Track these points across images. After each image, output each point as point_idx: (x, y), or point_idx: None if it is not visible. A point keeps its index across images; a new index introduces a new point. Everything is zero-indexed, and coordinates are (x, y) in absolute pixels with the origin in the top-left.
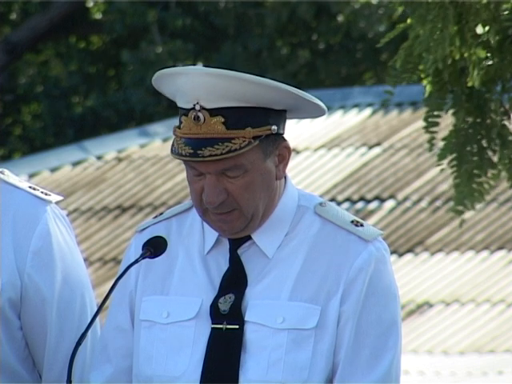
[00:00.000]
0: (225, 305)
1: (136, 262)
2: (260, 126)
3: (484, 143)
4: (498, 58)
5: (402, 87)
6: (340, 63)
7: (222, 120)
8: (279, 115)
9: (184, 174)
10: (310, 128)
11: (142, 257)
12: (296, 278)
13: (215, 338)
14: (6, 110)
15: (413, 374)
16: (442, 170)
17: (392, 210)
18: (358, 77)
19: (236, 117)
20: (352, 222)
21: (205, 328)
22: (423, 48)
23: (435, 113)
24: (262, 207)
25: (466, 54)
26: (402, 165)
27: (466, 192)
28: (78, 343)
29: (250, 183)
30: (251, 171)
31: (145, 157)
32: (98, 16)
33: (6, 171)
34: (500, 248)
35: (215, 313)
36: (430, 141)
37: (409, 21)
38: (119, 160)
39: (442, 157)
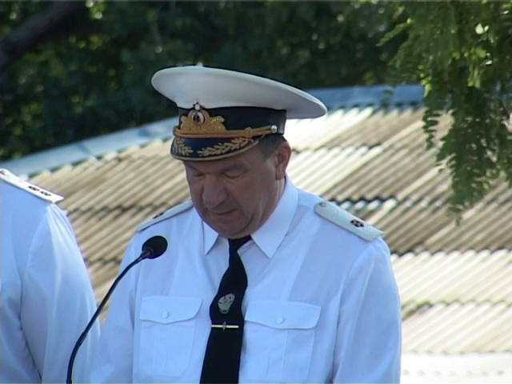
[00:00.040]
0: (225, 305)
1: (136, 262)
2: (260, 126)
3: (483, 143)
4: (498, 57)
5: (402, 87)
6: (340, 63)
7: (222, 120)
8: (279, 115)
9: (184, 174)
10: (310, 128)
11: (142, 257)
12: (296, 278)
13: (215, 338)
14: (6, 110)
15: (413, 374)
16: (441, 170)
17: (392, 210)
18: (358, 77)
19: (236, 117)
20: (352, 221)
21: (205, 328)
22: (423, 48)
23: (434, 112)
24: (262, 207)
25: (465, 54)
26: (402, 165)
27: (465, 191)
28: (78, 343)
29: (249, 183)
30: (251, 171)
31: (145, 157)
32: (98, 16)
33: (6, 171)
34: (500, 248)
35: (215, 313)
36: (429, 139)
37: (409, 21)
38: (119, 160)
39: (441, 157)
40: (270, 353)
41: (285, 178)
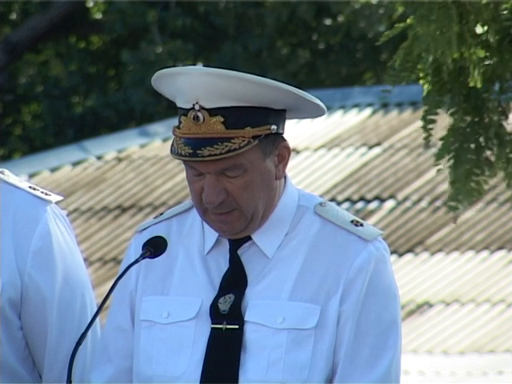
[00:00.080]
0: (225, 305)
1: (136, 262)
2: (259, 126)
3: (482, 142)
4: (498, 57)
5: (402, 87)
6: (340, 63)
7: (222, 120)
8: (279, 115)
9: (184, 174)
10: (310, 128)
11: (142, 257)
12: (296, 278)
13: (215, 338)
14: (6, 110)
15: (413, 374)
16: (439, 170)
17: (392, 209)
18: (358, 77)
19: (235, 116)
20: (352, 221)
21: (205, 328)
22: (423, 48)
23: (433, 111)
24: (262, 207)
25: (465, 54)
26: (402, 165)
27: (464, 190)
28: (78, 343)
29: (249, 183)
30: (251, 171)
31: (145, 157)
32: (98, 16)
33: (6, 171)
34: (500, 248)
35: (215, 313)
36: (426, 138)
37: (409, 20)
38: (119, 160)
39: (439, 157)
40: (269, 353)
41: (285, 178)
